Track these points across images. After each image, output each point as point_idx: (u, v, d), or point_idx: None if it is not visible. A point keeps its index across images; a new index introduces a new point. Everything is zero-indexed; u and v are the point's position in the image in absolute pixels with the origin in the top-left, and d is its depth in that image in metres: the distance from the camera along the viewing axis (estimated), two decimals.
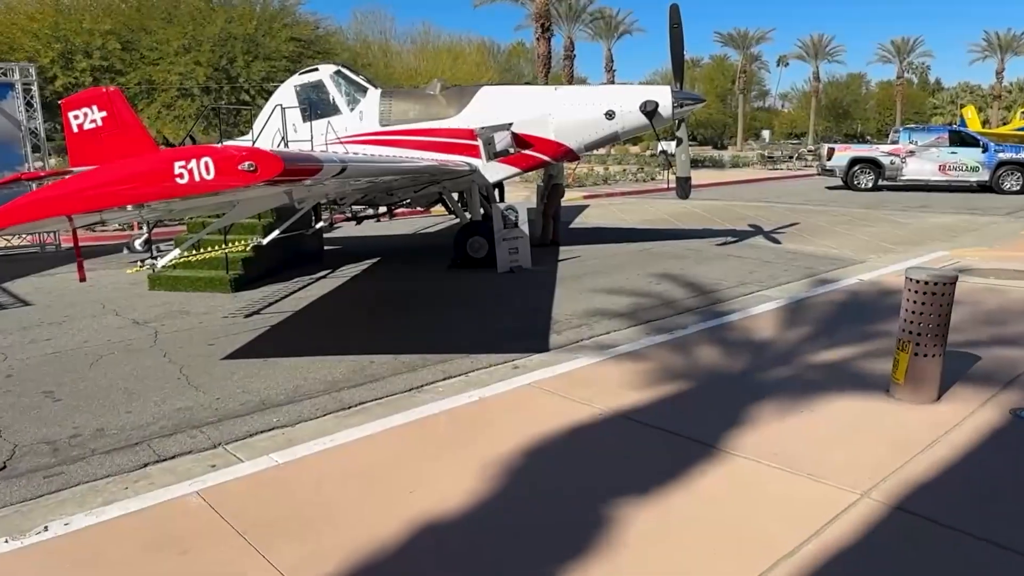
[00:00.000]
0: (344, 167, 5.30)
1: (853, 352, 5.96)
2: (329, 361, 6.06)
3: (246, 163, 4.30)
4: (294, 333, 7.09)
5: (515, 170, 10.90)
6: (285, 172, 4.36)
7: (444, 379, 5.66)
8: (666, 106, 10.59)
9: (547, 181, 12.41)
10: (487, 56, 50.82)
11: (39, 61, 21.22)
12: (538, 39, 30.91)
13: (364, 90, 10.99)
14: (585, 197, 23.54)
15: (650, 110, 10.45)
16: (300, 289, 9.10)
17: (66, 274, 10.27)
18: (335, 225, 12.13)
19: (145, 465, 4.22)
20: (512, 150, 10.58)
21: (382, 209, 12.20)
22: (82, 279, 5.71)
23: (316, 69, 11.17)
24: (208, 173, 4.32)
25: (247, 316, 7.67)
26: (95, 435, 4.64)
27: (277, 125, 10.98)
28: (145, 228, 11.82)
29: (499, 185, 13.31)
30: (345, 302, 8.58)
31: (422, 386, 5.51)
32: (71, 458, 4.31)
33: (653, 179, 31.86)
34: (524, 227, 10.25)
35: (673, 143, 11.44)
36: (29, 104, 12.28)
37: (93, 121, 11.76)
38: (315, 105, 11.01)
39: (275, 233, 8.86)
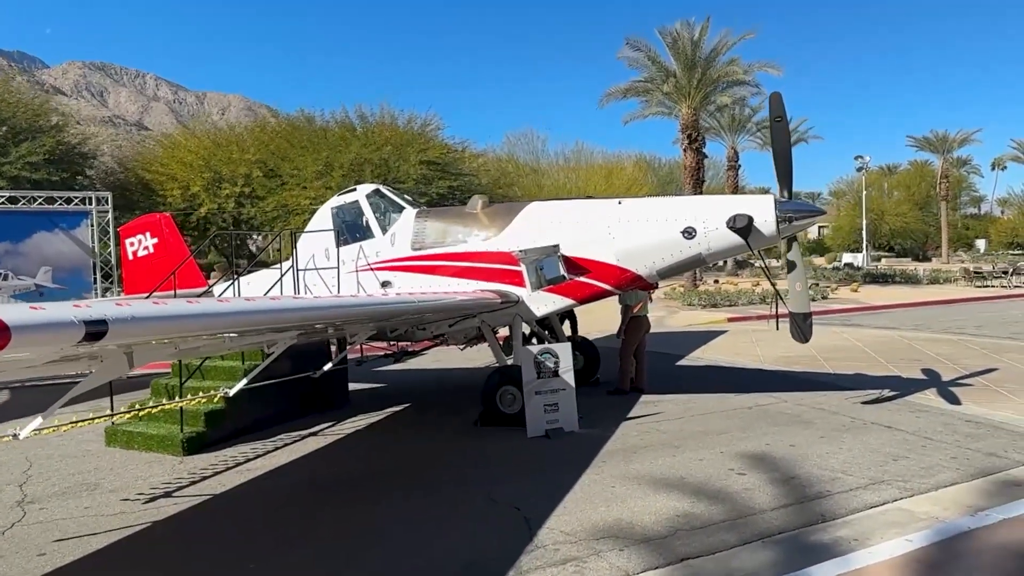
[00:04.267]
0: (95, 331, 3.45)
1: None
2: None
3: None
4: (158, 547, 5.15)
5: (568, 301, 8.63)
6: None
7: None
8: (766, 222, 7.90)
9: (624, 313, 9.94)
10: (646, 171, 49.56)
11: (191, 188, 22.89)
12: (685, 151, 28.83)
13: (401, 210, 9.49)
14: (729, 320, 20.35)
15: (741, 227, 7.81)
16: (264, 455, 7.29)
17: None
18: (364, 361, 10.42)
19: None
20: (564, 277, 8.40)
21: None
22: None
23: (354, 189, 9.90)
24: None
25: (149, 501, 5.92)
26: None
27: (309, 252, 9.76)
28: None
29: (568, 316, 11.11)
30: (286, 484, 6.49)
31: None
32: None
33: (824, 298, 27.64)
34: (567, 376, 7.82)
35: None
36: (104, 231, 12.21)
37: (146, 248, 11.33)
38: (351, 228, 9.66)
39: (242, 383, 7.21)
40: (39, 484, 6.41)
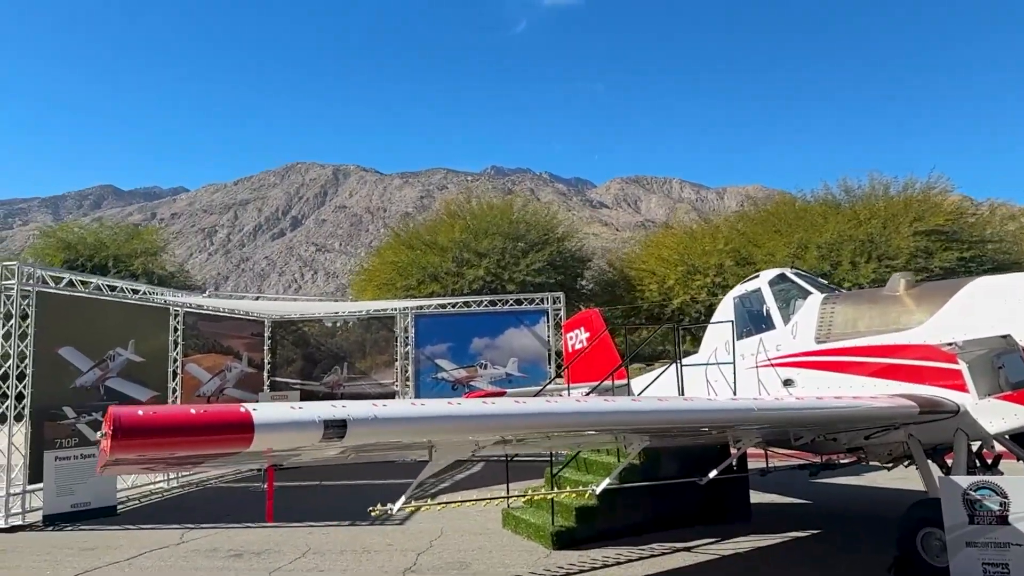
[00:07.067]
0: (334, 431, 3.76)
1: None
2: None
3: (100, 431, 3.61)
4: None
5: None
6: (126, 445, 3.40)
7: None
8: None
9: None
10: None
11: (667, 282, 24.18)
12: None
13: (807, 295, 8.15)
14: None
15: None
16: (624, 563, 6.81)
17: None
18: (769, 472, 8.93)
19: None
20: None
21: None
22: (268, 519, 5.57)
23: (757, 276, 8.95)
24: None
25: None
26: None
27: (712, 345, 9.16)
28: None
29: None
30: None
31: None
32: None
33: None
34: (1022, 524, 5.30)
35: None
36: (557, 326, 13.73)
37: (580, 341, 12.30)
38: (753, 318, 8.74)
39: (606, 481, 6.97)
40: (432, 555, 7.26)
